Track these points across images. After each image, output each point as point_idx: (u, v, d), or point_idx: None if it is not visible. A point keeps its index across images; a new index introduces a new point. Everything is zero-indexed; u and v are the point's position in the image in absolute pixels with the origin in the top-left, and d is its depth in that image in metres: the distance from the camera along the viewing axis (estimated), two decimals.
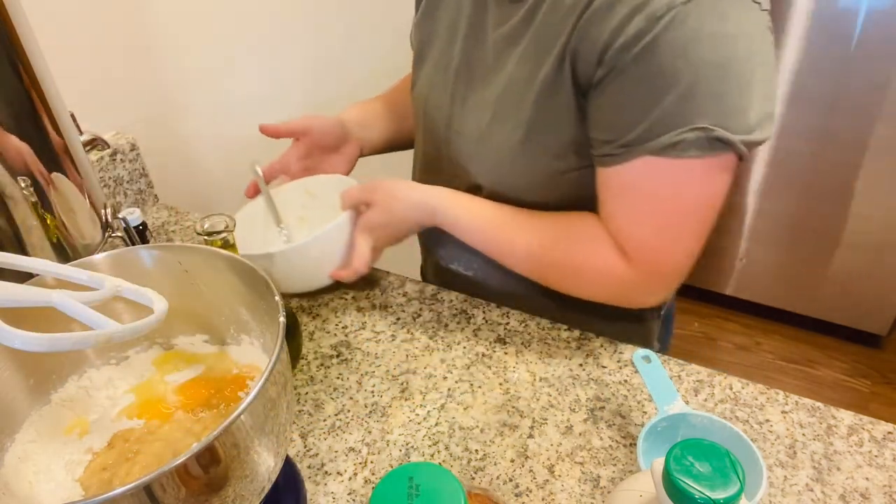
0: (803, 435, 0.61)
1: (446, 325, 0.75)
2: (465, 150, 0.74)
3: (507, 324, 0.75)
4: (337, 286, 0.81)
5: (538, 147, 0.66)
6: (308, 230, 0.86)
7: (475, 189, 0.74)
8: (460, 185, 0.75)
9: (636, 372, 0.68)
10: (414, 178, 0.89)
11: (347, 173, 0.89)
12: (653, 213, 0.61)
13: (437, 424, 0.63)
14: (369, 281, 0.83)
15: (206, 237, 0.58)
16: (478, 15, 0.71)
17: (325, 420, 0.64)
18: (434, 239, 0.85)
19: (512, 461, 0.60)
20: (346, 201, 0.75)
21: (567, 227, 0.68)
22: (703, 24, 0.53)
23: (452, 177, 0.77)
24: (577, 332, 0.74)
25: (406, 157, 0.92)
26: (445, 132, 0.76)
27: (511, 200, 0.71)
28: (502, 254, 0.71)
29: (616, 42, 0.55)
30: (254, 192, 0.85)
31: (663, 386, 0.59)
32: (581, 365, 0.69)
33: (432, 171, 0.82)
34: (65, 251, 0.63)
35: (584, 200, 0.67)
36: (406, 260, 0.99)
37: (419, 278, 0.94)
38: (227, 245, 0.59)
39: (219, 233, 0.58)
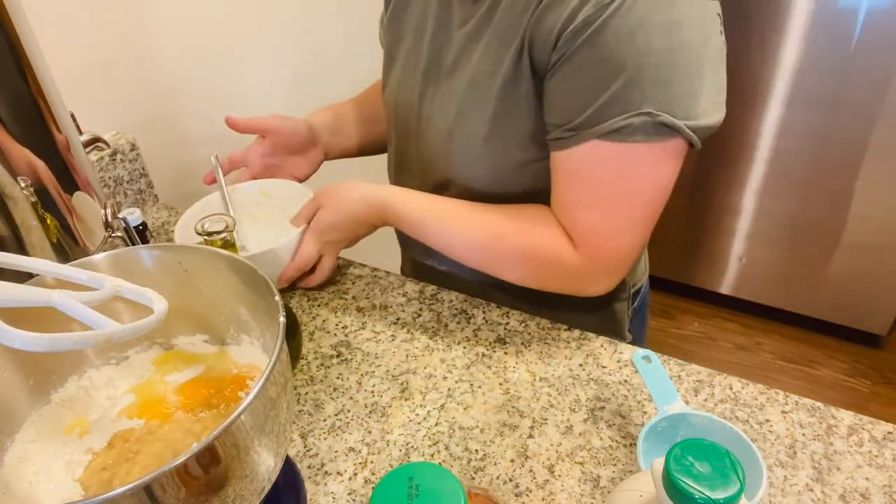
0: (803, 435, 0.61)
1: (446, 325, 0.75)
2: (434, 145, 0.74)
3: (507, 324, 0.75)
4: (330, 287, 0.82)
5: (502, 139, 0.67)
6: (259, 229, 0.87)
7: (445, 184, 0.75)
8: (431, 182, 0.76)
9: (636, 372, 0.68)
10: (389, 180, 0.90)
11: (308, 176, 0.92)
12: (599, 197, 0.62)
13: (437, 424, 0.63)
14: (369, 281, 0.83)
15: (205, 237, 0.58)
16: (443, 14, 0.72)
17: (325, 420, 0.64)
18: (408, 236, 0.86)
19: (512, 461, 0.60)
20: (298, 218, 0.77)
21: (516, 217, 0.69)
22: (650, 11, 0.54)
23: (423, 174, 0.78)
24: (576, 332, 0.74)
25: (383, 160, 0.93)
26: (416, 130, 0.77)
27: (479, 194, 0.72)
28: (452, 247, 0.72)
29: (568, 28, 0.56)
30: (211, 180, 0.87)
31: (663, 386, 0.59)
32: (581, 365, 0.69)
33: (404, 170, 0.83)
34: (65, 251, 0.63)
35: (549, 192, 0.68)
36: (390, 256, 0.99)
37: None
38: (227, 245, 0.59)
39: (219, 233, 0.58)
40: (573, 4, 0.56)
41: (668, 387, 0.59)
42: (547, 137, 0.64)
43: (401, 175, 0.85)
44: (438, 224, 0.72)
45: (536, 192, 0.70)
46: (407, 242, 0.90)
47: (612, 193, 0.62)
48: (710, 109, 0.58)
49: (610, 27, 0.54)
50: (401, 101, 0.79)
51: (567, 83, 0.59)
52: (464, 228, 0.70)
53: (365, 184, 0.75)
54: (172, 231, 0.97)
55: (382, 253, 0.98)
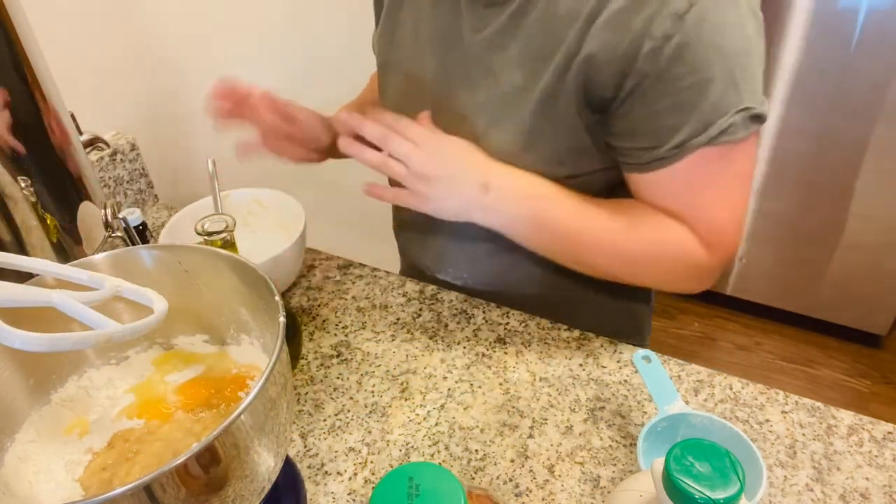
0: (803, 435, 0.61)
1: (446, 325, 0.75)
2: None
3: (507, 324, 0.75)
4: (330, 287, 0.81)
5: (538, 155, 0.66)
6: (251, 237, 0.86)
7: None
8: None
9: (636, 372, 0.68)
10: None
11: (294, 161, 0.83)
12: (720, 197, 0.63)
13: (437, 424, 0.63)
14: (369, 281, 0.83)
15: (205, 237, 0.58)
16: (449, 20, 0.69)
17: (325, 420, 0.64)
18: (417, 244, 0.82)
19: (512, 461, 0.60)
20: (346, 123, 0.66)
21: (640, 214, 0.66)
22: (722, 13, 0.55)
23: None
24: (576, 332, 0.74)
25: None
26: None
27: None
28: (577, 253, 0.67)
29: (643, 48, 0.55)
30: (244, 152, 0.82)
31: (663, 386, 0.59)
32: (581, 365, 0.69)
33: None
34: (65, 251, 0.63)
35: None
36: (390, 256, 0.98)
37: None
38: (227, 245, 0.59)
39: (219, 233, 0.58)
40: (641, 21, 0.55)
41: (668, 387, 0.59)
42: (627, 160, 0.63)
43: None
44: (577, 223, 0.65)
45: None
46: (415, 253, 0.85)
47: (730, 191, 0.63)
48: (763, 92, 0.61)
49: (693, 38, 0.54)
50: (407, 113, 0.75)
51: (655, 105, 0.58)
52: (598, 231, 0.66)
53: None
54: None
55: (382, 253, 0.98)
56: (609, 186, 0.69)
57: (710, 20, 0.54)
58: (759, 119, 0.58)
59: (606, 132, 0.63)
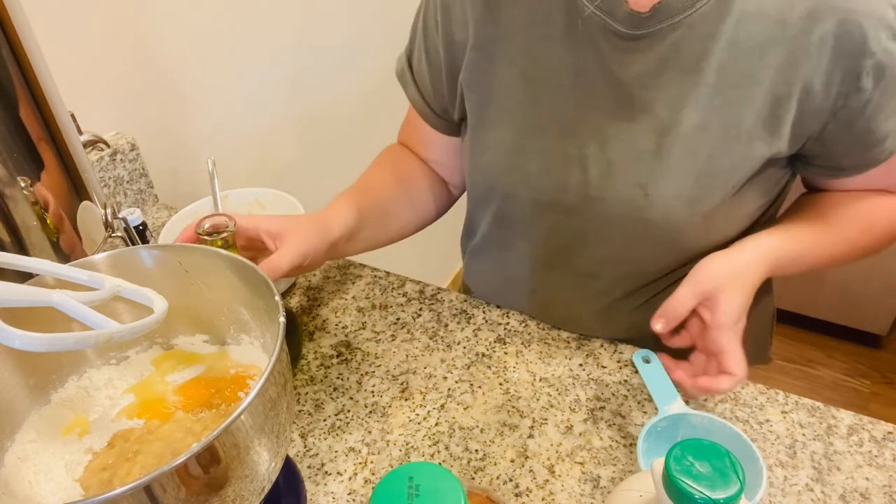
0: (803, 435, 0.61)
1: (446, 325, 0.75)
2: (619, 214, 0.65)
3: (507, 324, 0.75)
4: (330, 287, 0.81)
5: (713, 194, 0.62)
6: None
7: (623, 261, 0.69)
8: (610, 261, 0.70)
9: (636, 372, 0.68)
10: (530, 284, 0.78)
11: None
12: None
13: (437, 424, 0.63)
14: (369, 281, 0.83)
15: (206, 237, 0.58)
16: (578, 60, 0.62)
17: (325, 420, 0.64)
18: (525, 296, 0.78)
19: (512, 461, 0.60)
20: (675, 310, 0.59)
21: (867, 207, 0.67)
22: None
23: (597, 255, 0.69)
24: (576, 333, 0.73)
25: None
26: (580, 202, 0.66)
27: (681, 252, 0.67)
28: (823, 263, 0.68)
29: (864, 67, 0.55)
30: None
31: (663, 386, 0.59)
32: (581, 365, 0.69)
33: (559, 255, 0.72)
34: (65, 251, 0.63)
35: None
36: (390, 256, 0.98)
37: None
38: (228, 245, 0.59)
39: (219, 233, 0.58)
40: (857, 44, 0.54)
41: (667, 386, 0.59)
42: (835, 172, 0.64)
43: (550, 266, 0.74)
44: (822, 248, 0.66)
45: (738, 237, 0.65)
46: (509, 294, 0.79)
47: None
48: None
49: None
50: (531, 171, 0.67)
51: (876, 116, 0.58)
52: (837, 244, 0.67)
53: (729, 254, 0.61)
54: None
55: (383, 253, 0.98)
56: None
57: None
58: None
59: (802, 153, 0.63)
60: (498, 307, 0.77)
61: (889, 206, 0.66)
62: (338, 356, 0.72)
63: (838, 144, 0.60)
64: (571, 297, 0.74)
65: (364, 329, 0.75)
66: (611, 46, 0.60)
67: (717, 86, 0.58)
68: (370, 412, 0.65)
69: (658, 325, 0.59)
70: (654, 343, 0.70)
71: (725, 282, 0.58)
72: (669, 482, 0.35)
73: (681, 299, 0.58)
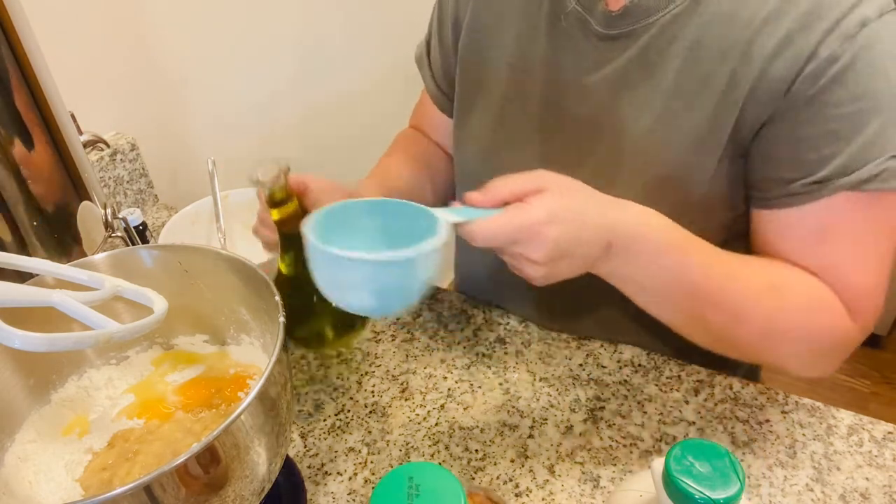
0: (803, 435, 0.61)
1: (446, 325, 0.75)
2: None
3: (507, 324, 0.75)
4: None
5: (663, 209, 0.56)
6: (250, 238, 0.74)
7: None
8: None
9: (636, 372, 0.68)
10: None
11: None
12: (867, 256, 0.54)
13: (437, 424, 0.63)
14: None
15: (260, 187, 0.51)
16: (558, 56, 0.61)
17: (325, 420, 0.64)
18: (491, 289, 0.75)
19: (512, 461, 0.60)
20: (496, 193, 0.48)
21: (788, 267, 0.56)
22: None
23: None
24: (576, 333, 0.73)
25: None
26: None
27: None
28: (711, 319, 0.55)
29: (806, 68, 0.49)
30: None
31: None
32: (581, 365, 0.69)
33: None
34: (65, 251, 0.63)
35: None
36: None
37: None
38: (274, 202, 0.51)
39: (266, 184, 0.50)
40: (809, 43, 0.49)
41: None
42: (762, 195, 0.56)
43: None
44: (711, 281, 0.53)
45: None
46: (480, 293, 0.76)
47: (879, 249, 0.54)
48: None
49: (860, 61, 0.48)
50: (498, 162, 0.65)
51: (805, 130, 0.51)
52: (739, 293, 0.54)
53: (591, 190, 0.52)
54: None
55: None
56: (723, 241, 0.58)
57: (883, 44, 0.48)
58: None
59: (746, 166, 0.56)
60: (498, 307, 0.77)
61: (813, 286, 0.55)
62: (338, 356, 0.72)
63: (765, 153, 0.54)
64: (565, 300, 0.73)
65: (364, 329, 0.75)
66: (590, 46, 0.59)
67: (675, 90, 0.55)
68: (370, 412, 0.65)
69: (473, 193, 0.48)
70: (653, 346, 0.70)
71: (572, 203, 0.48)
72: (669, 482, 0.35)
73: (510, 179, 0.48)
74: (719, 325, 0.55)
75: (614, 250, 0.50)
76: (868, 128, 0.49)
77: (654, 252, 0.52)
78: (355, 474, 0.59)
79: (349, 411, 0.65)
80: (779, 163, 0.54)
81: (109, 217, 0.68)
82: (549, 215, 0.46)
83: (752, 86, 0.52)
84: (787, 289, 0.54)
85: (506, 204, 0.47)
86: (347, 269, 0.42)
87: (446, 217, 0.46)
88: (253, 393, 0.38)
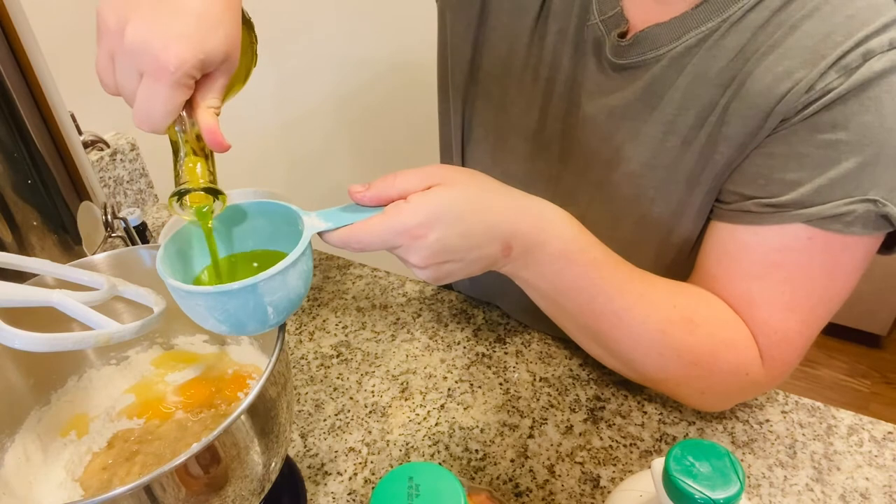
0: (803, 435, 0.61)
1: (446, 325, 0.75)
2: None
3: (507, 324, 0.75)
4: (330, 287, 0.81)
5: (647, 247, 0.56)
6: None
7: None
8: None
9: None
10: None
11: None
12: (799, 299, 0.50)
13: (437, 424, 0.63)
14: (369, 281, 0.83)
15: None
16: (574, 78, 0.58)
17: (325, 420, 0.64)
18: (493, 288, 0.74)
19: (512, 461, 0.60)
20: (381, 192, 0.45)
21: (706, 302, 0.53)
22: None
23: None
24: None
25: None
26: None
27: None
28: (610, 339, 0.54)
29: (796, 90, 0.46)
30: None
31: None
32: (581, 365, 0.69)
33: None
34: (65, 251, 0.63)
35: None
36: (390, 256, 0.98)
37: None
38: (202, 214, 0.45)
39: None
40: (809, 78, 0.46)
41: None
42: (722, 207, 0.53)
43: None
44: (606, 289, 0.51)
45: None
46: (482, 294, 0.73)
47: (815, 295, 0.50)
48: None
49: (853, 92, 0.45)
50: (501, 170, 0.63)
51: (777, 146, 0.48)
52: (635, 306, 0.51)
53: (496, 184, 0.49)
54: None
55: (382, 253, 0.98)
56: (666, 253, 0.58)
57: (884, 81, 0.45)
58: (886, 221, 0.47)
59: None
60: (498, 307, 0.77)
61: (729, 326, 0.52)
62: (338, 356, 0.72)
63: (747, 160, 0.51)
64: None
65: (364, 329, 0.75)
66: (599, 70, 0.57)
67: (673, 125, 0.53)
68: (370, 412, 0.65)
69: (357, 188, 0.45)
70: None
71: (462, 202, 0.45)
72: (669, 482, 0.35)
73: (401, 175, 0.45)
74: (614, 346, 0.53)
75: (514, 254, 0.48)
76: (843, 163, 0.46)
77: (555, 262, 0.49)
78: (355, 474, 0.59)
79: (349, 411, 0.65)
80: (742, 176, 0.51)
81: (109, 217, 0.68)
82: (429, 217, 0.43)
83: (742, 117, 0.50)
84: (701, 324, 0.51)
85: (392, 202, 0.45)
86: (187, 300, 0.41)
87: (314, 224, 0.43)
88: (253, 393, 0.38)
